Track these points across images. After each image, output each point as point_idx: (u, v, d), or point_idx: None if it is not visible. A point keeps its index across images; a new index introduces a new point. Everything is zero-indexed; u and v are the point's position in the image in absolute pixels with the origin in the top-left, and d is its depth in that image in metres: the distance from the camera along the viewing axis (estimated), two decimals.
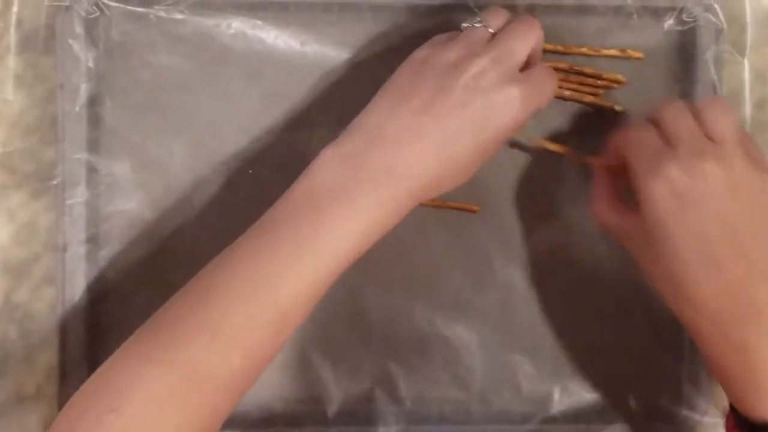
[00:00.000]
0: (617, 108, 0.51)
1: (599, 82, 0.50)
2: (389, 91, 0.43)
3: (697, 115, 0.43)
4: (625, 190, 0.45)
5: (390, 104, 0.42)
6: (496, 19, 0.45)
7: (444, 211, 0.51)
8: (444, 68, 0.42)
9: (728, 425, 0.45)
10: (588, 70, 0.50)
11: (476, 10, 0.50)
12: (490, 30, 0.44)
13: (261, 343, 0.40)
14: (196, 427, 0.39)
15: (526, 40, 0.44)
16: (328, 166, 0.42)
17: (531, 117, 0.44)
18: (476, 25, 0.44)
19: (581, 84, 0.51)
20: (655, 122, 0.44)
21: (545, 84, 0.44)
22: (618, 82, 0.51)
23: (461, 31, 0.45)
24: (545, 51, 0.50)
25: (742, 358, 0.41)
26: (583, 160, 0.50)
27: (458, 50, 0.43)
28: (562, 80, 0.50)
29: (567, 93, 0.50)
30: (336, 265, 0.41)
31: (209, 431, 0.40)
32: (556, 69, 0.50)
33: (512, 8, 0.50)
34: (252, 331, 0.40)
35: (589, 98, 0.51)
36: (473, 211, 0.51)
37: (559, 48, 0.50)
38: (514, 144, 0.51)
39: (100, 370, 0.41)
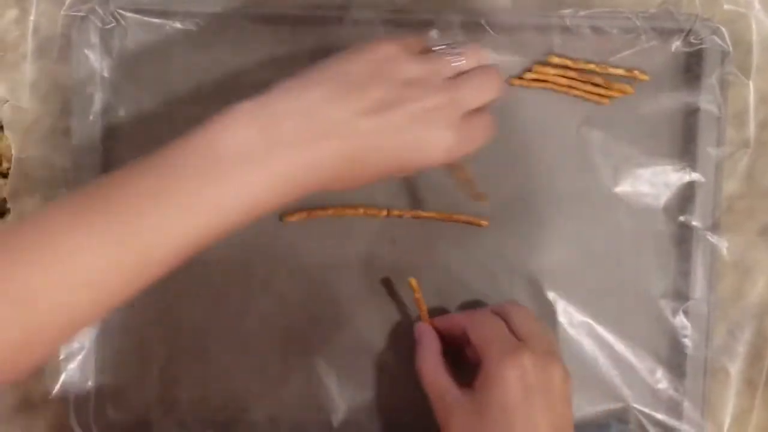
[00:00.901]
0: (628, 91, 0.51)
1: (606, 91, 0.51)
2: (338, 72, 0.41)
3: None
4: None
5: (333, 89, 0.40)
6: (471, 58, 0.44)
7: (449, 224, 0.51)
8: (401, 82, 0.41)
9: None
10: (597, 79, 0.51)
11: (489, 30, 0.50)
12: (461, 64, 0.43)
13: (111, 283, 0.37)
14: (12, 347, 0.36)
15: (487, 92, 0.43)
16: (242, 126, 0.39)
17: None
18: (452, 53, 0.44)
19: (587, 92, 0.51)
20: (502, 317, 0.47)
21: (479, 136, 0.43)
22: (625, 92, 0.51)
23: (433, 45, 0.44)
24: (553, 65, 0.51)
25: None
26: (480, 198, 0.51)
27: (423, 71, 0.42)
28: (570, 86, 0.51)
29: (574, 92, 0.51)
30: (209, 232, 0.38)
31: (29, 354, 0.37)
32: (565, 76, 0.51)
33: (522, 26, 0.51)
34: (105, 273, 0.37)
35: (595, 98, 0.52)
36: (481, 226, 0.51)
37: (567, 62, 0.51)
38: None
39: None
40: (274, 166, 0.39)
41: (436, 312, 0.51)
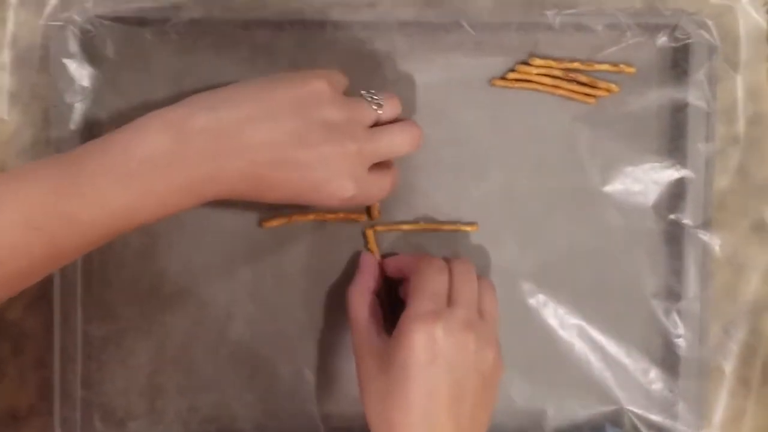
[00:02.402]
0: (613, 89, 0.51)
1: (592, 90, 0.51)
2: (261, 96, 0.42)
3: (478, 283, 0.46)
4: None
5: (251, 113, 0.41)
6: (390, 110, 0.45)
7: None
8: (321, 123, 0.42)
9: None
10: (582, 78, 0.51)
11: (470, 31, 0.50)
12: (379, 116, 0.45)
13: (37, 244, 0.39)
14: None
15: (402, 147, 0.45)
16: (156, 133, 0.40)
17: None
18: (374, 102, 0.45)
19: (573, 92, 0.51)
20: (449, 270, 0.46)
21: (377, 193, 0.45)
22: (611, 91, 0.51)
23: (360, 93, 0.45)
24: (537, 67, 0.50)
25: None
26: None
27: (342, 116, 0.43)
28: (555, 86, 0.51)
29: (560, 92, 0.51)
30: (118, 225, 0.40)
31: None
32: (550, 75, 0.50)
33: (507, 25, 0.50)
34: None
35: (580, 98, 0.51)
36: (471, 231, 0.51)
37: (551, 63, 0.50)
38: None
39: None
40: (175, 176, 0.40)
41: None
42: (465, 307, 0.44)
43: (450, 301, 0.44)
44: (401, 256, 0.50)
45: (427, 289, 0.44)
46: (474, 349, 0.43)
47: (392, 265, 0.50)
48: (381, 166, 0.45)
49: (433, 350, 0.42)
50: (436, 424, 0.41)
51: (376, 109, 0.45)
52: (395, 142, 0.44)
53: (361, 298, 0.48)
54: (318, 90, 0.43)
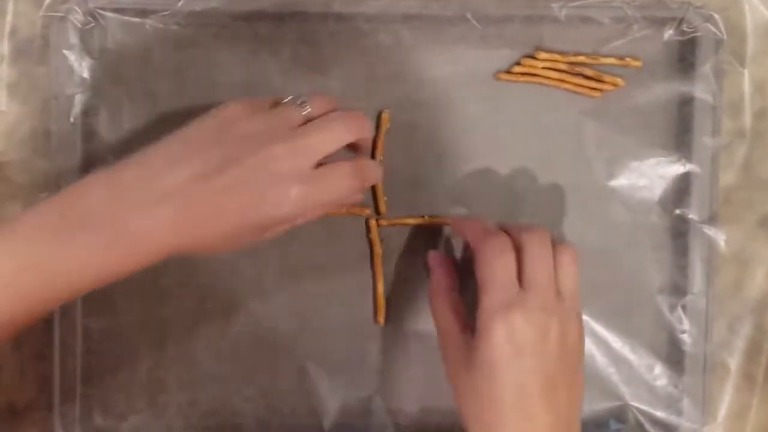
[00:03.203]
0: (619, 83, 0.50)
1: (598, 84, 0.50)
2: (182, 137, 0.42)
3: (554, 257, 0.43)
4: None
5: (173, 154, 0.41)
6: (319, 105, 0.43)
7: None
8: (242, 138, 0.41)
9: None
10: (588, 72, 0.50)
11: (475, 24, 0.49)
12: (304, 113, 0.43)
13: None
14: None
15: (338, 135, 0.43)
16: (94, 194, 0.40)
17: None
18: (298, 103, 0.43)
19: (579, 85, 0.50)
20: (517, 248, 0.43)
21: (335, 185, 0.43)
22: (617, 85, 0.50)
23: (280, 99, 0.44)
24: (543, 60, 0.50)
25: None
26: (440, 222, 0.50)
27: (263, 125, 0.42)
28: (560, 80, 0.50)
29: (565, 86, 0.50)
30: (58, 293, 0.39)
31: None
32: (556, 69, 0.50)
33: (512, 18, 0.50)
34: None
35: (586, 92, 0.51)
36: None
37: (557, 57, 0.50)
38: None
39: None
40: (114, 231, 0.39)
41: (421, 306, 0.50)
42: (540, 290, 0.42)
43: (523, 282, 0.42)
44: (468, 226, 0.47)
45: (496, 278, 0.42)
46: (557, 332, 0.41)
47: (457, 230, 0.48)
48: (332, 162, 0.43)
49: (515, 343, 0.41)
50: (532, 417, 0.41)
51: (301, 109, 0.43)
52: (329, 132, 0.42)
53: (440, 299, 0.46)
54: (231, 112, 0.42)
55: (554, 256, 0.43)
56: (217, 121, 0.42)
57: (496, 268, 0.42)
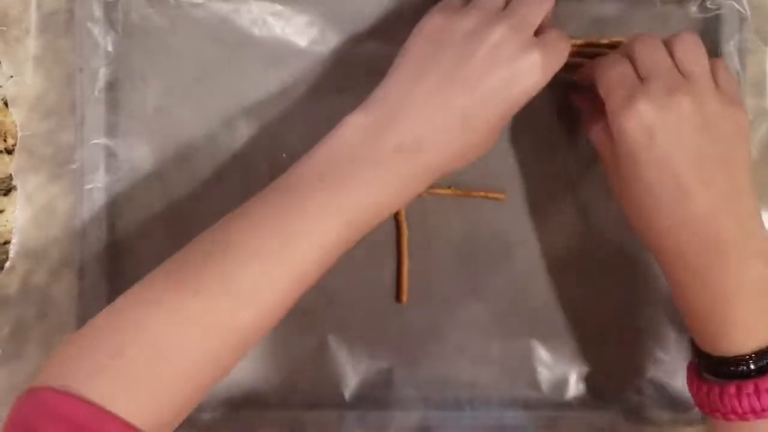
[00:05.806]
0: None
1: None
2: (408, 62, 0.43)
3: (669, 50, 0.43)
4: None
5: (411, 76, 0.42)
6: None
7: (464, 199, 0.51)
8: (462, 38, 0.42)
9: (690, 376, 0.45)
10: (606, 41, 0.49)
11: None
12: None
13: (271, 302, 0.40)
14: (198, 377, 0.39)
15: (541, 6, 0.43)
16: (350, 133, 0.42)
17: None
18: None
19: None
20: (629, 56, 0.44)
21: (560, 46, 0.44)
22: None
23: None
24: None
25: (706, 290, 0.42)
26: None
27: (474, 18, 0.42)
28: (576, 54, 0.49)
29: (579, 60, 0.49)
30: (350, 234, 0.41)
31: (211, 381, 0.40)
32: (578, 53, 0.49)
33: None
34: (263, 288, 0.40)
35: None
36: (498, 199, 0.51)
37: (579, 42, 0.49)
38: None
39: (104, 312, 0.39)
40: (394, 168, 0.41)
41: (443, 278, 0.51)
42: (660, 75, 0.42)
43: (641, 75, 0.43)
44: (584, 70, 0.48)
45: (613, 82, 0.43)
46: (691, 110, 0.41)
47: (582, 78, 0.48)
48: (542, 31, 0.44)
49: (646, 128, 0.41)
50: (686, 195, 0.41)
51: None
52: (533, 4, 0.43)
53: (596, 126, 0.46)
54: (437, 21, 0.43)
55: (673, 45, 0.43)
56: (431, 33, 0.43)
57: (612, 74, 0.43)
